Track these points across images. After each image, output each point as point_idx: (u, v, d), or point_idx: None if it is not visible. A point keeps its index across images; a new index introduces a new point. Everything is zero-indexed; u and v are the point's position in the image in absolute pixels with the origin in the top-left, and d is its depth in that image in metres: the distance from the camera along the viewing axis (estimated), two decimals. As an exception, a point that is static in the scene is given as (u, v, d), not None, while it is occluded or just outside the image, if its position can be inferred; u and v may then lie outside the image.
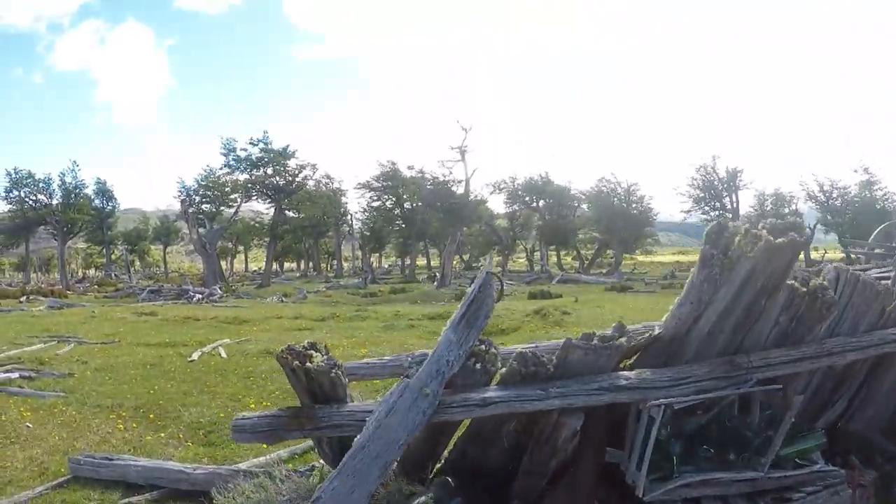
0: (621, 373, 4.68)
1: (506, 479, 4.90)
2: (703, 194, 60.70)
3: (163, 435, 8.22)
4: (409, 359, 6.30)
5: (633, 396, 4.60)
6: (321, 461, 5.57)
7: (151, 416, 8.96)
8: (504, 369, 4.64)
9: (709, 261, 4.59)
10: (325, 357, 4.66)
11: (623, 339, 4.68)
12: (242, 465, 6.93)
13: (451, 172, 44.16)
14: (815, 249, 64.45)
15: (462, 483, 4.79)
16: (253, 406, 9.57)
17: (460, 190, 44.00)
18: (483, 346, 4.65)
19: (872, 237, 22.19)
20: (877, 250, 23.21)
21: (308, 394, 4.68)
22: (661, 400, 4.57)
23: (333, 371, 4.60)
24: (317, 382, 4.58)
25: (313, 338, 14.17)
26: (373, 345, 14.87)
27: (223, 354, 13.87)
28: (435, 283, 44.76)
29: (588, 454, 4.72)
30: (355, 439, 4.27)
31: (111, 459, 6.54)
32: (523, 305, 23.68)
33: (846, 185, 60.56)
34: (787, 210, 63.21)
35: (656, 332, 4.91)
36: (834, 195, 60.38)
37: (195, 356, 13.45)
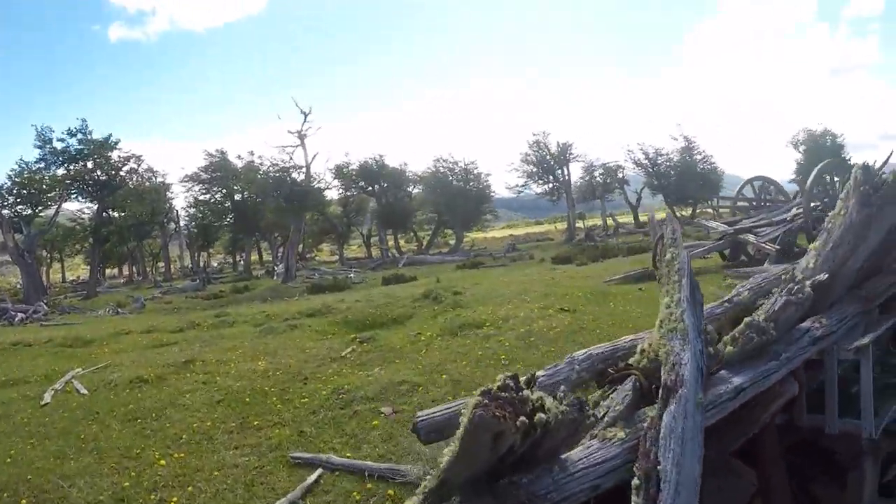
0: (806, 325, 4.59)
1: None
2: (535, 169, 61.81)
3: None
4: (576, 366, 4.67)
5: (825, 344, 4.63)
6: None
7: (24, 502, 6.28)
8: (730, 347, 4.18)
9: (868, 200, 4.71)
10: (561, 395, 3.00)
11: (808, 287, 4.67)
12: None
13: (291, 158, 41.10)
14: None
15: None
16: (163, 462, 7.07)
17: (302, 177, 41.30)
18: (707, 326, 4.17)
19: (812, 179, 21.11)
20: (740, 203, 23.89)
21: (492, 458, 2.88)
22: (864, 340, 4.77)
23: (589, 415, 3.20)
24: (537, 439, 2.90)
25: (184, 354, 11.49)
26: (269, 355, 12.42)
27: (82, 390, 10.87)
28: (276, 277, 42.12)
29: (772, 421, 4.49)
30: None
31: None
32: (403, 291, 21.67)
33: (668, 152, 64.39)
34: (614, 177, 65.43)
35: (821, 277, 4.90)
36: (658, 161, 63.55)
37: (47, 397, 10.43)
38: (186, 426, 8.34)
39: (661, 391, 3.60)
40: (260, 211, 52.78)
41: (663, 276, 4.41)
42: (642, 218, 68.31)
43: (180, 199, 61.72)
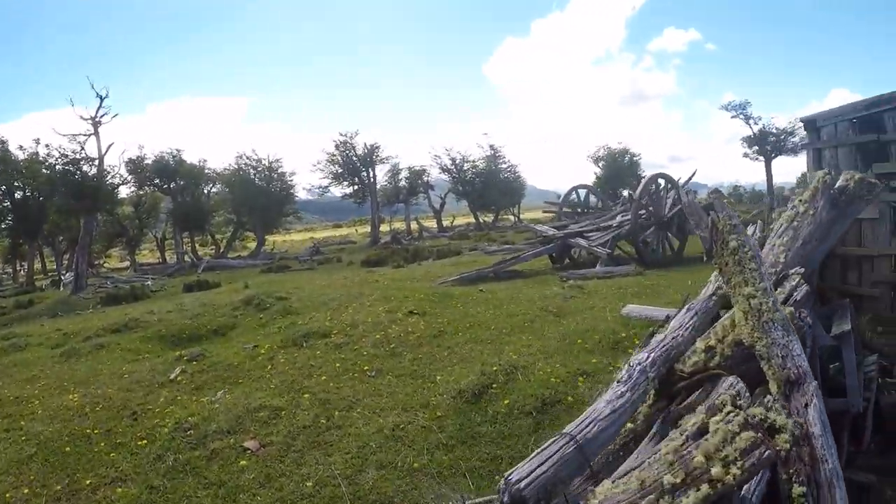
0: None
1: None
2: (341, 170, 59.82)
3: None
4: (649, 374, 4.01)
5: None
6: None
7: None
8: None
9: (836, 202, 5.28)
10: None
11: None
12: None
13: (82, 149, 36.24)
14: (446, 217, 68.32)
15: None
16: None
17: (94, 170, 36.57)
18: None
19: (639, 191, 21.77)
20: (566, 209, 23.98)
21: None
22: (845, 326, 5.15)
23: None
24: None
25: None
26: (80, 385, 10.13)
27: None
28: (63, 288, 37.51)
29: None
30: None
31: None
32: (220, 298, 19.41)
33: (475, 159, 66.39)
34: (420, 181, 65.30)
35: (800, 269, 5.06)
36: (465, 167, 63.75)
37: None
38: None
39: (782, 386, 3.25)
40: (45, 211, 46.72)
41: (728, 265, 4.05)
42: (445, 222, 69.13)
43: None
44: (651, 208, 20.43)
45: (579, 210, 24.07)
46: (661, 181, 21.02)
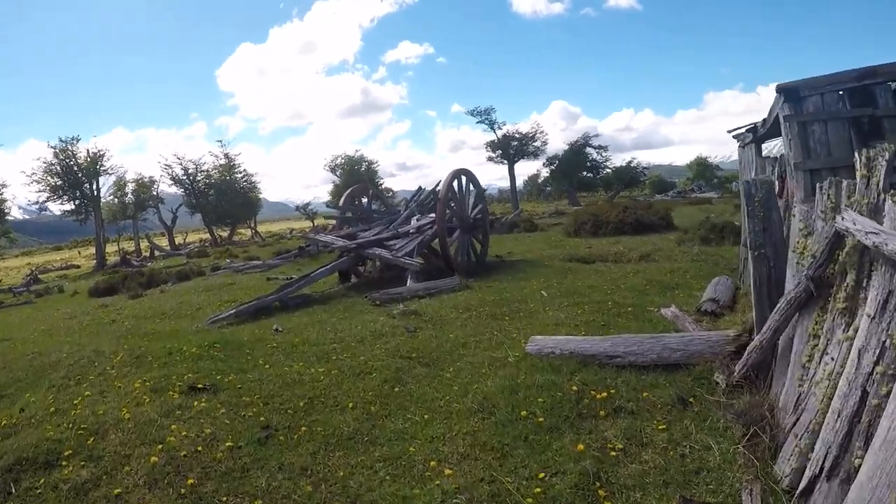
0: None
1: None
2: (61, 182, 46.91)
3: None
4: None
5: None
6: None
7: None
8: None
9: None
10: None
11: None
12: None
13: None
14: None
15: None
16: None
17: None
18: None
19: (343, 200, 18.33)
20: (348, 214, 19.23)
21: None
22: None
23: None
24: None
25: None
26: None
27: None
28: None
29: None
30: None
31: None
32: None
33: (209, 168, 58.01)
34: (148, 195, 56.47)
35: None
36: (198, 178, 55.99)
37: None
38: None
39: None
40: None
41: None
42: (177, 239, 60.68)
43: None
44: (454, 206, 16.43)
45: (362, 215, 19.26)
46: (464, 178, 17.08)
